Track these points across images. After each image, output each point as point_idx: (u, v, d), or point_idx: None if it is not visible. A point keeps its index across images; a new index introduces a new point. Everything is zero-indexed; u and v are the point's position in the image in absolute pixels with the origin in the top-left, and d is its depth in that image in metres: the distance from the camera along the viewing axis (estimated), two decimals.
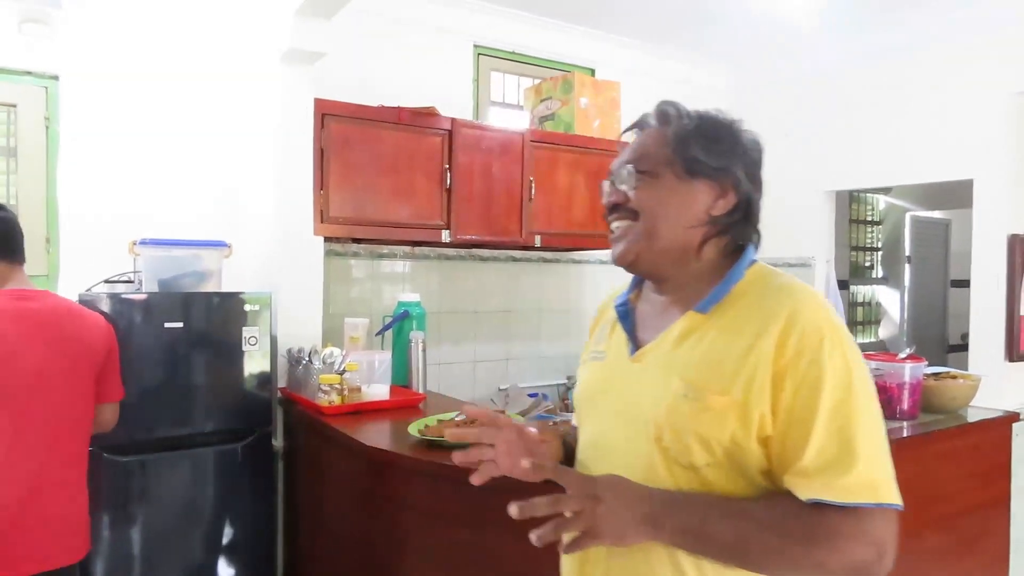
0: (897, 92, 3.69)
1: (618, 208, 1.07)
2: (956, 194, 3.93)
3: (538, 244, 3.23)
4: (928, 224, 5.49)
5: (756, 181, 1.06)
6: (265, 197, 2.73)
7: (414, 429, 1.98)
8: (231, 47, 3.00)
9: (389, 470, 1.92)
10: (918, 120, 3.60)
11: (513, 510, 0.87)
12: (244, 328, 2.46)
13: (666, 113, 1.07)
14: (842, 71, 3.92)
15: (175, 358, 2.35)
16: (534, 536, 0.88)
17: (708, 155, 1.02)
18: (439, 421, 2.07)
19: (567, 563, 1.13)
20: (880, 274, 5.54)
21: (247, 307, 2.46)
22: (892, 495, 0.90)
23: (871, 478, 0.89)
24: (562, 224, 3.29)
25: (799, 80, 4.13)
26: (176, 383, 2.35)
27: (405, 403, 2.51)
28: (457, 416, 2.12)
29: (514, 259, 3.64)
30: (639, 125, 1.11)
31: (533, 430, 1.12)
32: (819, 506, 0.88)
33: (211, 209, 2.99)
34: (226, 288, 2.57)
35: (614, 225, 1.08)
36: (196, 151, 3.01)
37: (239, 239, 2.71)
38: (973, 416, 2.33)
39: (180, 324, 2.34)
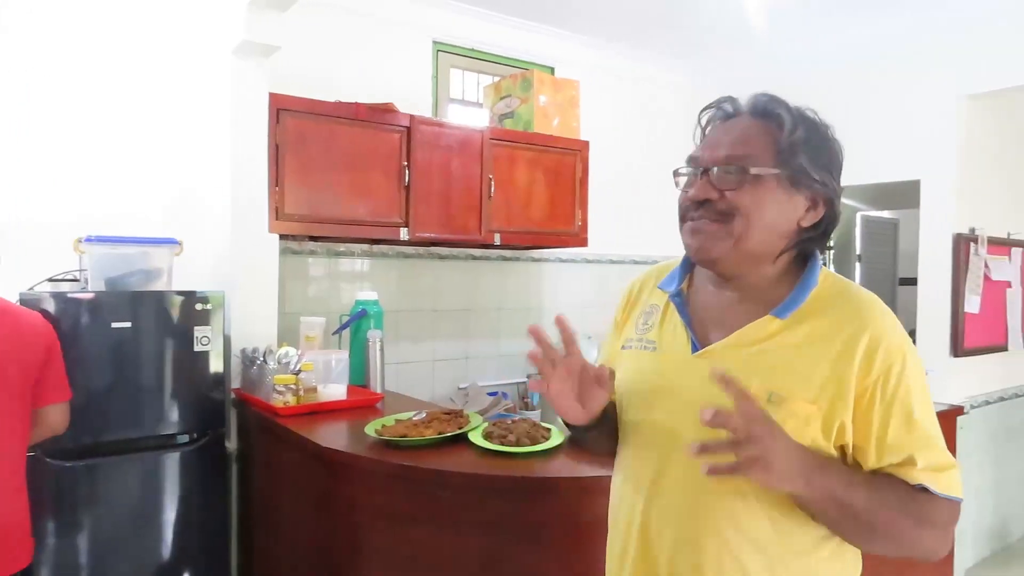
0: (849, 94, 3.77)
1: (709, 204, 1.02)
2: (904, 194, 4.03)
3: (498, 242, 3.22)
4: (878, 223, 5.63)
5: (839, 197, 1.06)
6: (218, 194, 2.67)
7: (371, 429, 1.96)
8: (182, 39, 2.92)
9: (346, 471, 1.89)
10: (869, 122, 3.69)
11: (707, 415, 0.85)
12: (196, 328, 2.40)
13: (775, 113, 1.03)
14: (797, 73, 3.99)
15: (123, 359, 2.28)
16: (705, 467, 0.86)
17: (813, 168, 1.01)
18: (397, 421, 2.05)
19: (622, 549, 1.11)
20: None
21: (199, 306, 2.40)
22: (962, 491, 1.01)
23: (957, 478, 1.00)
24: (521, 222, 3.29)
25: (756, 80, 4.15)
26: (124, 385, 2.28)
27: (362, 403, 2.48)
28: (415, 415, 2.10)
29: (473, 257, 3.63)
30: (727, 109, 1.07)
31: (596, 370, 1.05)
32: (925, 492, 0.97)
33: (161, 206, 2.91)
34: (177, 287, 2.51)
35: (700, 221, 1.03)
36: (146, 146, 2.93)
37: (191, 236, 2.65)
38: None
39: (128, 324, 2.27)
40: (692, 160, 1.06)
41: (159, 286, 2.46)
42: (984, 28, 3.28)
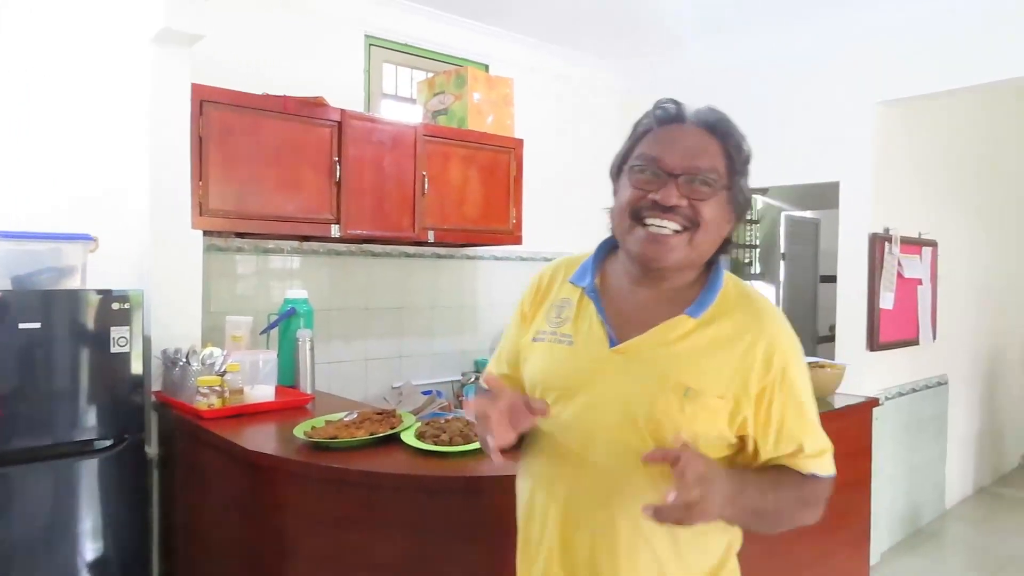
0: (773, 98, 3.90)
1: (676, 211, 1.05)
2: (825, 195, 4.20)
3: (431, 240, 3.19)
4: (800, 223, 5.85)
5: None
6: (137, 188, 2.55)
7: (300, 431, 1.91)
8: (97, 24, 2.78)
9: (274, 475, 1.84)
10: (792, 125, 3.82)
11: (650, 513, 0.94)
12: (113, 328, 2.28)
13: (732, 134, 1.10)
14: (724, 75, 4.10)
15: (32, 361, 2.15)
16: (649, 512, 0.94)
17: (747, 189, 1.13)
18: (327, 422, 2.01)
19: (538, 542, 1.15)
20: (758, 270, 5.86)
21: (116, 305, 2.29)
22: (834, 468, 1.16)
23: (832, 456, 1.14)
24: (455, 220, 3.27)
25: (685, 82, 4.28)
26: (34, 389, 2.16)
27: (292, 404, 2.41)
28: (346, 416, 2.06)
29: (407, 255, 3.59)
30: (678, 115, 1.11)
31: (521, 399, 1.06)
32: (812, 477, 1.11)
33: (74, 200, 2.76)
34: (92, 285, 2.38)
35: (656, 223, 1.06)
36: (57, 138, 2.77)
37: (107, 232, 2.52)
38: (839, 402, 2.50)
39: (37, 324, 2.15)
40: (655, 161, 1.07)
41: (72, 284, 2.34)
42: (897, 39, 3.44)
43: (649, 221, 1.06)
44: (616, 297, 1.14)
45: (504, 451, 1.08)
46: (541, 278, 1.25)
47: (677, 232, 1.06)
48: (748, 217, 5.68)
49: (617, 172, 1.16)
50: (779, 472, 1.10)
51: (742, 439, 1.10)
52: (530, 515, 1.17)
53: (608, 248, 1.21)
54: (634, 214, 1.08)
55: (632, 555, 1.06)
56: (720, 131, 1.10)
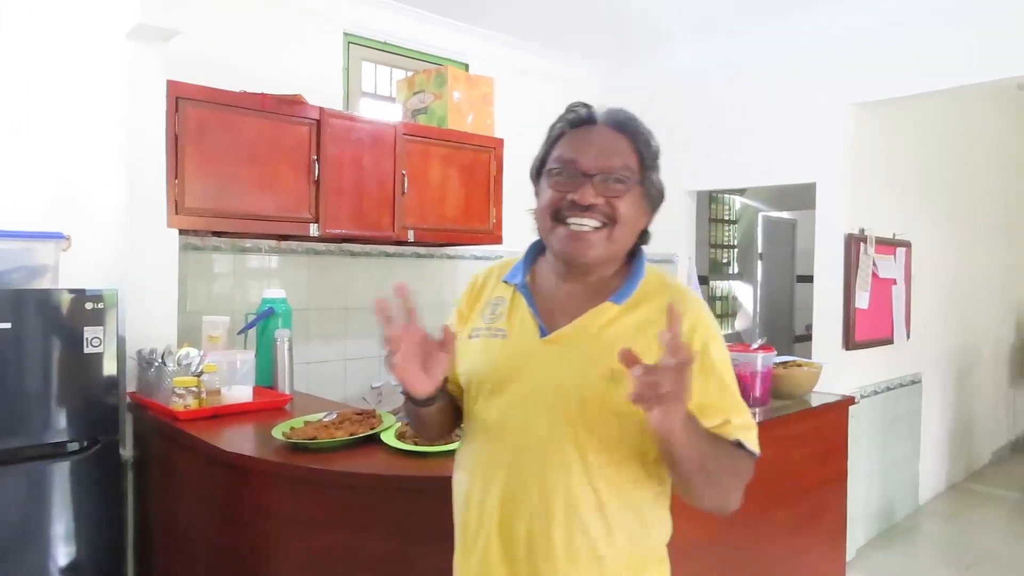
0: (751, 99, 3.94)
1: (594, 209, 1.12)
2: (801, 196, 4.25)
3: (411, 239, 3.18)
4: (777, 223, 5.91)
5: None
6: (112, 186, 2.51)
7: (279, 432, 1.89)
8: (70, 19, 2.73)
9: (252, 476, 1.82)
10: (769, 126, 3.86)
11: (638, 371, 0.92)
12: (87, 328, 2.24)
13: (640, 132, 1.17)
14: (704, 78, 4.13)
15: (3, 362, 2.11)
16: (631, 396, 0.93)
17: (658, 182, 1.19)
18: (306, 423, 1.99)
19: (475, 533, 1.18)
20: (736, 270, 5.91)
21: (90, 305, 2.25)
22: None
23: (756, 438, 1.16)
24: (435, 219, 3.26)
25: (664, 83, 4.31)
26: (5, 390, 2.11)
27: (270, 405, 2.39)
28: (326, 417, 2.04)
29: (387, 254, 3.57)
30: (589, 118, 1.17)
31: (435, 338, 1.11)
32: (740, 448, 1.13)
33: (46, 198, 2.70)
34: (65, 284, 2.34)
35: (582, 222, 1.12)
36: (28, 135, 2.71)
37: (80, 231, 2.48)
38: (816, 401, 2.53)
39: (8, 324, 2.10)
40: (571, 163, 1.14)
41: (44, 284, 2.29)
42: (871, 41, 3.49)
43: (570, 220, 1.13)
44: (546, 292, 1.21)
45: (425, 400, 1.13)
46: (476, 279, 1.33)
47: (596, 229, 1.13)
48: (728, 218, 5.74)
49: (537, 175, 1.23)
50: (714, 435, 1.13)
51: None
52: (467, 507, 1.20)
53: (538, 249, 1.28)
54: (555, 215, 1.15)
55: (568, 538, 1.10)
56: (629, 130, 1.16)
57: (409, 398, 1.16)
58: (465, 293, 1.32)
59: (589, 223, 1.12)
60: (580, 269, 1.17)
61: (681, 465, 1.05)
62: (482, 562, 1.16)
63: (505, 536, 1.13)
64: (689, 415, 0.99)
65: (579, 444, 1.09)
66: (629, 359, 0.93)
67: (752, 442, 1.14)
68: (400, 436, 1.85)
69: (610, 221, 1.13)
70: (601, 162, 1.12)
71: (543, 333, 1.15)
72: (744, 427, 1.14)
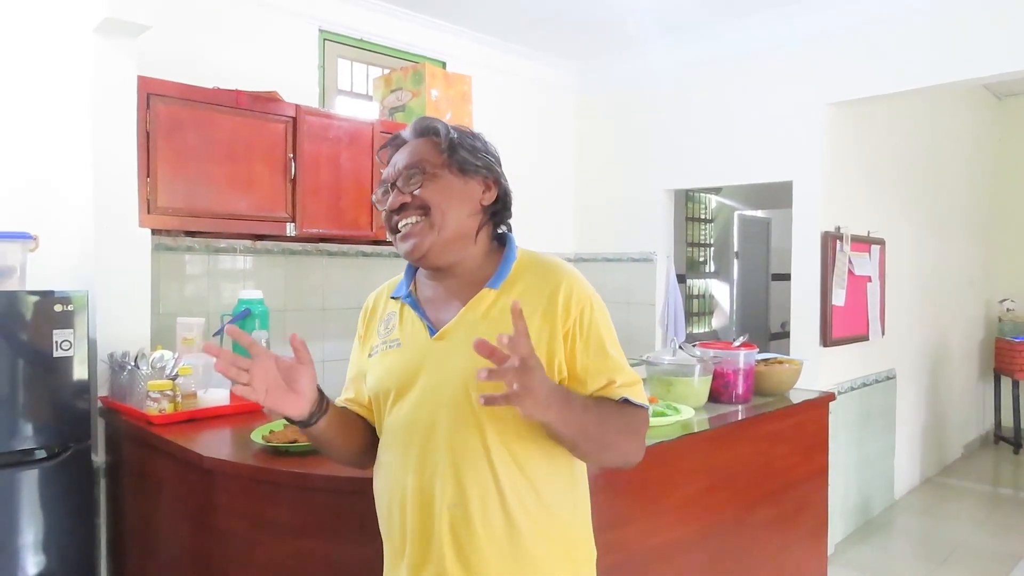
0: (728, 98, 3.96)
1: (406, 207, 1.22)
2: (777, 195, 4.28)
3: (389, 239, 3.13)
4: (752, 222, 5.95)
5: (504, 178, 1.30)
6: (81, 184, 2.43)
7: (258, 435, 1.85)
8: (35, 13, 2.65)
9: (230, 481, 1.77)
10: (745, 125, 3.88)
11: (483, 375, 0.99)
12: (55, 331, 2.18)
13: (432, 127, 1.25)
14: (680, 76, 4.14)
15: None
16: (482, 399, 1.00)
17: (473, 157, 1.24)
18: (286, 425, 1.94)
19: (400, 530, 1.22)
20: (712, 268, 5.95)
21: (58, 307, 2.18)
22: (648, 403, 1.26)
23: (643, 391, 1.25)
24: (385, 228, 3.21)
25: (641, 82, 4.32)
26: None
27: (247, 408, 2.33)
28: None
29: (364, 254, 3.52)
30: (397, 142, 1.28)
31: (287, 358, 1.16)
32: (627, 404, 1.20)
33: (13, 197, 2.63)
34: (32, 286, 2.27)
35: (402, 224, 1.22)
36: None
37: (48, 231, 2.41)
38: (797, 397, 2.54)
39: None
40: (382, 184, 1.26)
41: (10, 285, 2.22)
42: (845, 41, 3.53)
43: (398, 226, 1.23)
44: (429, 296, 1.29)
45: (309, 418, 1.17)
46: (368, 302, 1.40)
47: (416, 223, 1.21)
48: (704, 217, 5.77)
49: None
50: (599, 399, 1.19)
51: (563, 383, 1.18)
52: (389, 513, 1.25)
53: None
54: (390, 229, 1.26)
55: (487, 523, 1.15)
56: (419, 129, 1.27)
57: (292, 421, 1.18)
58: (360, 318, 1.39)
59: (407, 220, 1.21)
60: (439, 265, 1.24)
61: (562, 437, 1.12)
62: (412, 566, 1.19)
63: (427, 535, 1.17)
64: (553, 394, 1.05)
65: (481, 431, 1.15)
66: (484, 348, 0.99)
67: (638, 396, 1.22)
68: None
69: (423, 210, 1.20)
70: (398, 167, 1.23)
71: (432, 332, 1.22)
72: (628, 384, 1.20)
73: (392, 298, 1.33)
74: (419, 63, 3.42)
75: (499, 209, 1.29)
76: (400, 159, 1.25)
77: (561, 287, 1.19)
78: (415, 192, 1.21)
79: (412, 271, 1.34)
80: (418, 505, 1.19)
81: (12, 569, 2.13)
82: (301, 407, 1.15)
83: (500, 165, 1.30)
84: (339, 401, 1.36)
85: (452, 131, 1.25)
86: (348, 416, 1.32)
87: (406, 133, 1.28)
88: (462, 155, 1.23)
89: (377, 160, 1.30)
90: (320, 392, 1.20)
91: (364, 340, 1.36)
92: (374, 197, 1.29)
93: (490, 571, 1.15)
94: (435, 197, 1.20)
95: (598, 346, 1.19)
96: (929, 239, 4.97)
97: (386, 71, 3.51)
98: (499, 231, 1.31)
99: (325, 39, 3.45)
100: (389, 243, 3.42)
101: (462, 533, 1.15)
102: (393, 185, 1.24)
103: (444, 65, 3.86)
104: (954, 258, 5.40)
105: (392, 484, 1.24)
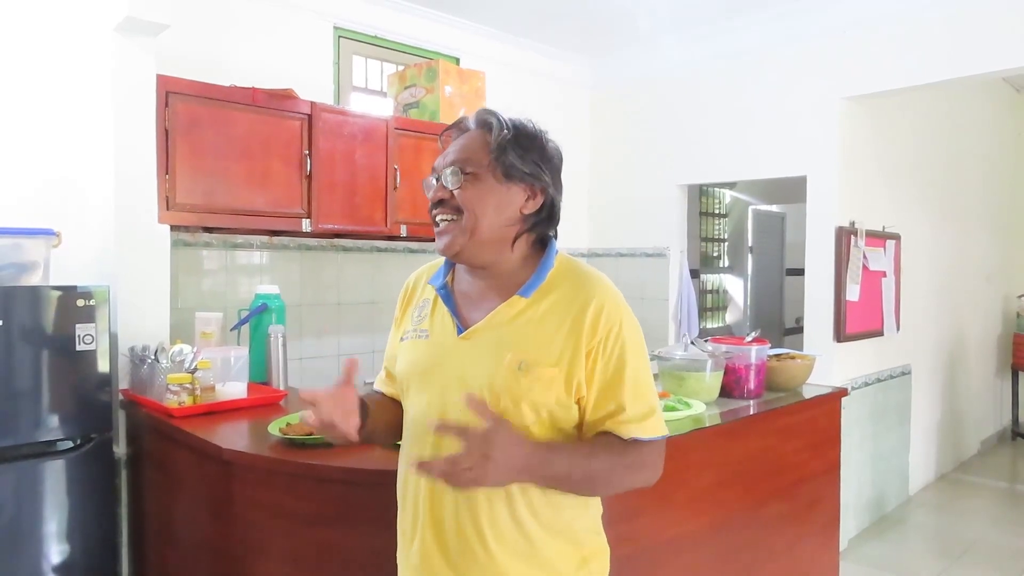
0: (742, 93, 3.94)
1: (443, 203, 1.20)
2: (792, 189, 4.26)
3: (404, 234, 3.17)
4: (767, 217, 5.93)
5: (558, 185, 1.25)
6: (102, 181, 2.48)
7: (275, 428, 1.88)
8: (58, 13, 2.69)
9: (248, 473, 1.81)
10: (760, 120, 3.87)
11: (413, 470, 1.02)
12: (78, 325, 2.22)
13: (488, 122, 1.22)
14: (694, 71, 4.13)
15: None
16: (417, 467, 1.04)
17: (522, 162, 1.19)
18: (302, 418, 1.98)
19: (412, 520, 1.25)
20: (726, 264, 5.93)
21: (81, 302, 2.23)
22: (666, 429, 1.23)
23: (661, 421, 1.21)
24: (428, 214, 3.24)
25: (655, 78, 4.31)
26: None
27: (264, 401, 2.38)
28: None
29: (379, 249, 3.56)
30: (460, 127, 1.25)
31: (330, 390, 1.17)
32: (635, 441, 1.17)
33: (36, 194, 2.68)
34: (55, 281, 2.32)
35: (439, 218, 1.21)
36: (16, 130, 2.68)
37: (70, 227, 2.45)
38: (809, 393, 2.54)
39: None
40: (433, 171, 1.24)
41: (34, 280, 2.27)
42: (861, 35, 3.50)
43: (437, 219, 1.22)
44: (463, 291, 1.27)
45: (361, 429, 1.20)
46: (408, 284, 1.40)
47: (450, 221, 1.20)
48: (718, 212, 5.75)
49: None
50: (600, 439, 1.18)
51: (581, 403, 1.18)
52: (403, 499, 1.28)
53: None
54: (432, 219, 1.24)
55: (493, 520, 1.16)
56: (480, 120, 1.23)
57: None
58: (400, 297, 1.39)
59: (444, 217, 1.21)
60: (471, 263, 1.23)
61: (548, 487, 1.15)
62: (420, 554, 1.22)
63: (437, 526, 1.20)
64: (519, 465, 1.06)
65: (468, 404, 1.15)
66: (475, 405, 1.03)
67: (650, 430, 1.18)
68: None
69: (456, 212, 1.19)
70: (447, 160, 1.21)
71: (460, 331, 1.22)
72: (640, 417, 1.17)
73: (429, 284, 1.32)
74: (433, 59, 3.43)
75: (543, 219, 1.24)
76: (452, 150, 1.22)
77: (592, 303, 1.16)
78: (454, 191, 1.19)
79: (452, 261, 1.31)
80: (428, 499, 1.21)
81: (37, 556, 2.18)
82: (353, 428, 1.17)
83: (556, 172, 1.25)
84: (376, 383, 1.42)
85: (508, 130, 1.20)
86: (385, 405, 1.35)
87: (469, 120, 1.25)
88: (509, 159, 1.19)
89: (438, 144, 1.30)
90: (362, 401, 1.22)
91: (399, 322, 1.37)
92: (424, 180, 1.27)
93: (497, 566, 1.17)
94: (471, 201, 1.17)
95: (617, 369, 1.16)
96: (946, 233, 4.93)
97: (400, 67, 3.54)
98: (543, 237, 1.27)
99: (340, 36, 3.47)
100: (404, 238, 3.48)
101: (469, 532, 1.17)
102: (439, 177, 1.22)
103: (458, 61, 3.88)
104: (971, 252, 5.35)
105: (407, 474, 1.27)
